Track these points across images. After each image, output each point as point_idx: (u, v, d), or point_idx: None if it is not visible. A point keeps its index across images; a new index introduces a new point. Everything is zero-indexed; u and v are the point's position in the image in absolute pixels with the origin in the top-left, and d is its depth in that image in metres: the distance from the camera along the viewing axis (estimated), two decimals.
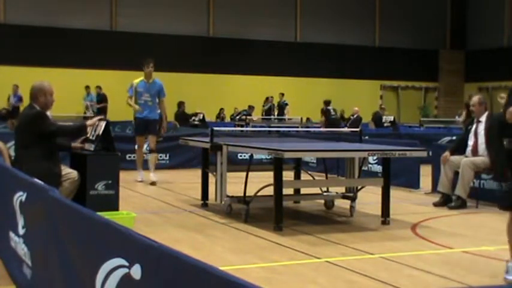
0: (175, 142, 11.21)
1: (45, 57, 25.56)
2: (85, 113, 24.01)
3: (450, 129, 21.61)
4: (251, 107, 25.51)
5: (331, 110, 21.82)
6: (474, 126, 8.98)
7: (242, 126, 22.15)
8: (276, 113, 25.39)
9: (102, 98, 24.75)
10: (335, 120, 21.48)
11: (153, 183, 10.57)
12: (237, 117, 24.86)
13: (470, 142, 8.93)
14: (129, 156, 13.02)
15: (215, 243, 6.34)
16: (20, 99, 21.36)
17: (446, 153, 8.95)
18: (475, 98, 9.15)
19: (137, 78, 11.04)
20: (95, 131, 6.95)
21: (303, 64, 30.05)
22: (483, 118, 8.95)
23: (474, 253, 6.01)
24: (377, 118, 23.68)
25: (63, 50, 26.06)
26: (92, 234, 2.99)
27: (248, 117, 24.17)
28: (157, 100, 10.94)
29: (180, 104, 21.64)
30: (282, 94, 26.05)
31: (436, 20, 33.47)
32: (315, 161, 12.90)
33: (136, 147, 11.25)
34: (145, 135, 10.99)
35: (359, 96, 30.22)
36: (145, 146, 11.46)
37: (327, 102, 22.22)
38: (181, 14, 28.54)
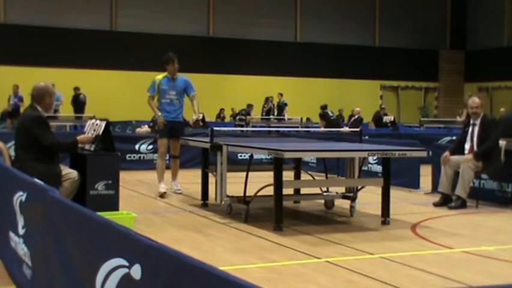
0: None
1: (45, 57, 25.59)
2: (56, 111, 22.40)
3: (450, 129, 21.64)
4: (250, 106, 25.49)
5: (330, 112, 21.69)
6: (470, 129, 8.94)
7: (242, 126, 22.14)
8: (275, 113, 25.40)
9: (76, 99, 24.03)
10: (336, 121, 21.34)
11: (178, 192, 9.63)
12: (237, 117, 24.86)
13: (467, 146, 8.91)
14: (129, 156, 13.05)
15: (215, 243, 6.34)
16: (21, 99, 21.28)
17: (446, 154, 8.94)
18: (477, 100, 9.05)
19: (159, 75, 9.71)
20: (95, 130, 6.95)
21: (303, 64, 30.07)
22: (478, 121, 8.90)
23: (474, 253, 6.00)
24: (377, 118, 23.68)
25: (63, 50, 26.08)
26: (92, 234, 2.99)
27: (248, 116, 24.18)
28: (183, 99, 9.73)
29: None
30: (281, 94, 26.06)
31: (436, 20, 33.49)
32: (315, 161, 12.90)
33: (157, 155, 10.00)
34: (169, 139, 9.65)
35: (359, 96, 30.24)
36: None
37: (324, 107, 21.96)
38: (181, 14, 28.56)
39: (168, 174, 9.82)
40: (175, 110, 9.58)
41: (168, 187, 9.69)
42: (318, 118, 23.33)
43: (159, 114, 9.48)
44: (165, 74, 9.67)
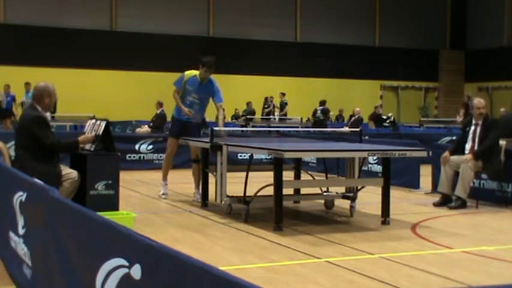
0: None
1: (45, 57, 25.57)
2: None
3: (450, 129, 21.62)
4: (249, 103, 25.55)
5: (318, 111, 22.03)
6: (472, 129, 8.94)
7: (246, 126, 22.16)
8: (275, 113, 25.35)
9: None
10: (318, 122, 21.74)
11: (198, 201, 8.82)
12: (239, 118, 24.88)
13: (468, 146, 8.90)
14: (129, 156, 13.04)
15: (215, 243, 6.34)
16: (13, 98, 21.13)
17: (446, 154, 8.94)
18: (483, 101, 9.03)
19: (190, 71, 9.20)
20: (95, 131, 6.95)
21: (303, 64, 30.05)
22: (480, 121, 8.90)
23: (474, 253, 6.00)
24: (376, 117, 23.66)
25: (63, 50, 26.07)
26: (92, 234, 2.99)
27: (251, 116, 24.31)
28: (206, 104, 9.22)
29: None
30: (283, 94, 25.93)
31: (436, 20, 33.48)
32: (315, 161, 12.90)
33: (156, 155, 9.65)
34: (180, 139, 9.07)
35: (359, 96, 30.22)
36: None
37: (322, 102, 22.41)
38: (181, 14, 28.54)
39: (159, 175, 9.61)
40: (195, 113, 9.05)
41: (166, 190, 9.45)
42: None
43: (186, 110, 8.90)
44: (195, 72, 9.12)
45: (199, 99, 9.05)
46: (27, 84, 21.57)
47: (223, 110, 9.31)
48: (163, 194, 9.28)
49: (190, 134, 9.00)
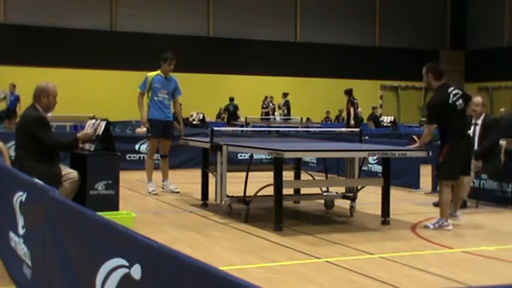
0: (175, 142, 11.18)
1: (45, 57, 25.58)
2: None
3: None
4: (231, 99, 25.22)
5: (357, 104, 19.49)
6: (472, 129, 8.92)
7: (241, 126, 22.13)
8: (277, 113, 25.28)
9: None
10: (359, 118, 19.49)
11: (175, 191, 9.66)
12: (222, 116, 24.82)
13: None
14: (129, 156, 13.05)
15: (215, 243, 6.34)
16: (17, 98, 21.12)
17: None
18: (479, 99, 9.03)
19: (152, 72, 9.74)
20: (95, 131, 6.95)
21: (303, 64, 30.06)
22: (480, 121, 8.89)
23: (474, 253, 6.00)
24: (374, 118, 23.66)
25: (63, 50, 26.08)
26: (92, 234, 2.99)
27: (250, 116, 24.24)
28: (172, 98, 9.79)
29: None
30: (285, 94, 25.66)
31: (436, 20, 33.49)
32: (315, 161, 12.90)
33: (147, 154, 10.14)
34: (161, 138, 9.75)
35: (359, 96, 30.12)
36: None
37: (349, 92, 19.50)
38: (181, 14, 28.56)
39: (157, 175, 9.84)
40: (166, 109, 9.67)
41: (158, 187, 9.77)
42: (318, 117, 23.11)
43: (145, 120, 9.63)
44: (157, 72, 9.69)
45: (167, 94, 9.66)
46: (13, 86, 21.08)
47: (180, 104, 10.21)
48: (153, 191, 9.53)
49: (168, 133, 9.70)
